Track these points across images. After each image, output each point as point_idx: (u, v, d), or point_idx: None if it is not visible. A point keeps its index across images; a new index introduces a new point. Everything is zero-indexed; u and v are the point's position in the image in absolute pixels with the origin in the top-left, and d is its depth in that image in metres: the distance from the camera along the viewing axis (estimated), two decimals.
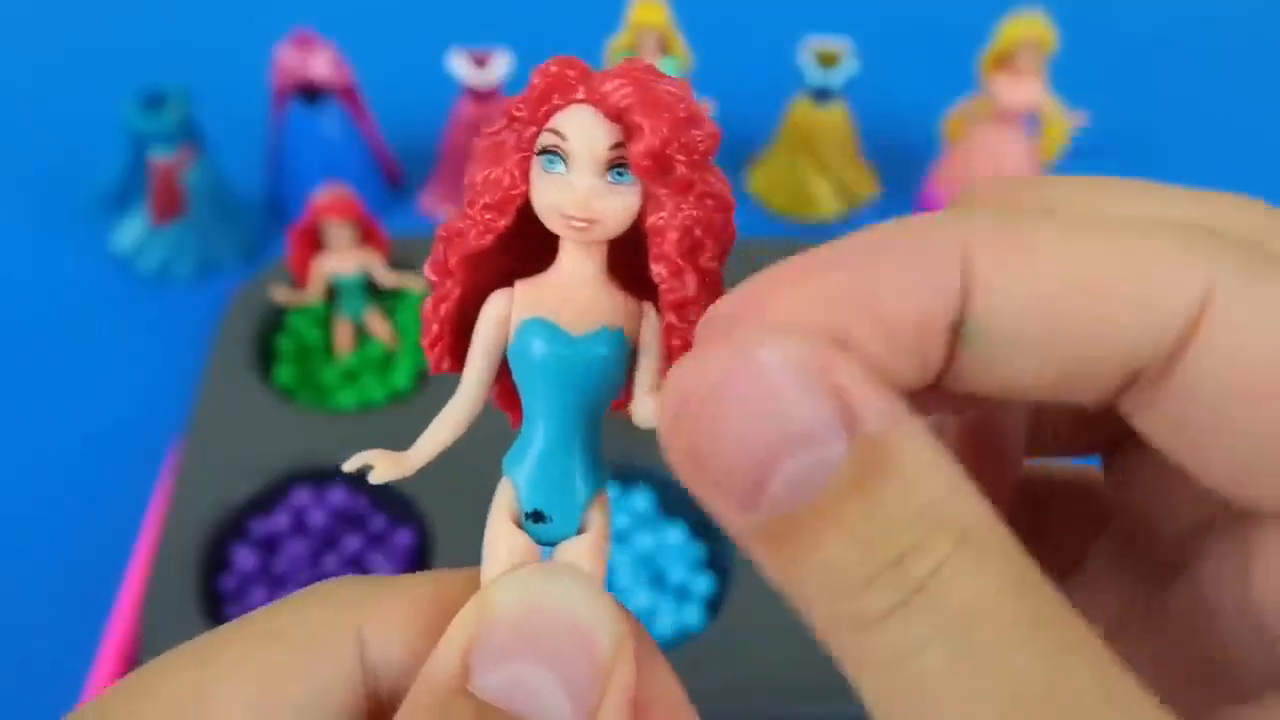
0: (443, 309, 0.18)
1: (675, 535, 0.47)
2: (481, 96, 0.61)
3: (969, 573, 0.12)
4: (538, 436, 0.19)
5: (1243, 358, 0.13)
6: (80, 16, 0.82)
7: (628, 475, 0.49)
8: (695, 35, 0.62)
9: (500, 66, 0.60)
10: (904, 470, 0.13)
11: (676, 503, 0.48)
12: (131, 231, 0.60)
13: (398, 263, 0.56)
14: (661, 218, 0.17)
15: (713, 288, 0.17)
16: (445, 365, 0.19)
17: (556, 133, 0.17)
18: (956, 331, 0.14)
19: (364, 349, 0.54)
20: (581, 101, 0.17)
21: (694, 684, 0.41)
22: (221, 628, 0.17)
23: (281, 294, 0.54)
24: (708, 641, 0.42)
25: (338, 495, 0.47)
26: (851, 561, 0.13)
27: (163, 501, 0.47)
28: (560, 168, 0.17)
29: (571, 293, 0.17)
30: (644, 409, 0.18)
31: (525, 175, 0.17)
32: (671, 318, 0.17)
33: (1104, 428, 0.17)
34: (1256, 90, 0.80)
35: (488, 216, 0.17)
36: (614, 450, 0.21)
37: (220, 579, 0.45)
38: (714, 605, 0.45)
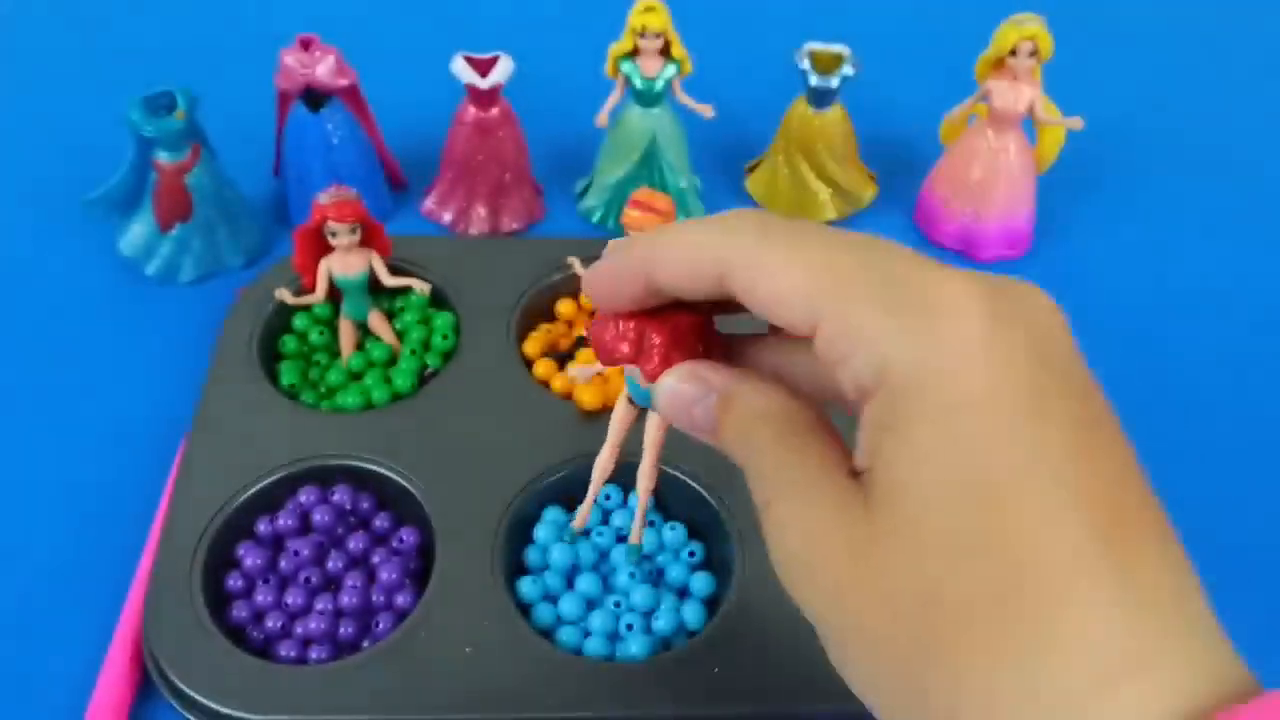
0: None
1: (675, 535, 0.47)
2: (484, 101, 0.61)
3: (768, 420, 0.27)
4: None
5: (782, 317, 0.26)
6: (88, 21, 0.83)
7: (630, 475, 0.49)
8: (696, 39, 0.63)
9: (502, 71, 0.61)
10: (739, 398, 0.28)
11: (677, 502, 0.48)
12: (138, 234, 0.60)
13: (401, 264, 0.57)
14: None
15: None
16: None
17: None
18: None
19: (368, 350, 0.55)
20: None
21: (694, 683, 0.42)
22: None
23: (286, 295, 0.55)
24: (708, 641, 0.43)
25: (343, 495, 0.48)
26: (730, 433, 0.28)
27: (170, 500, 0.47)
28: None
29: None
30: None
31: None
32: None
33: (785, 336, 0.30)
34: (1253, 93, 0.81)
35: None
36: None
37: (227, 577, 0.46)
38: (713, 604, 0.45)
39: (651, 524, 0.48)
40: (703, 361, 0.29)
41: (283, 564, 0.46)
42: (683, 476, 0.48)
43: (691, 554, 0.46)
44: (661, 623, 0.44)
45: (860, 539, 0.24)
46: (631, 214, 0.53)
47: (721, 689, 0.41)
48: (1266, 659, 0.47)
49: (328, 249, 0.54)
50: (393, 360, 0.55)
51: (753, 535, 0.46)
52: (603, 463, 0.41)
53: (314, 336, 0.55)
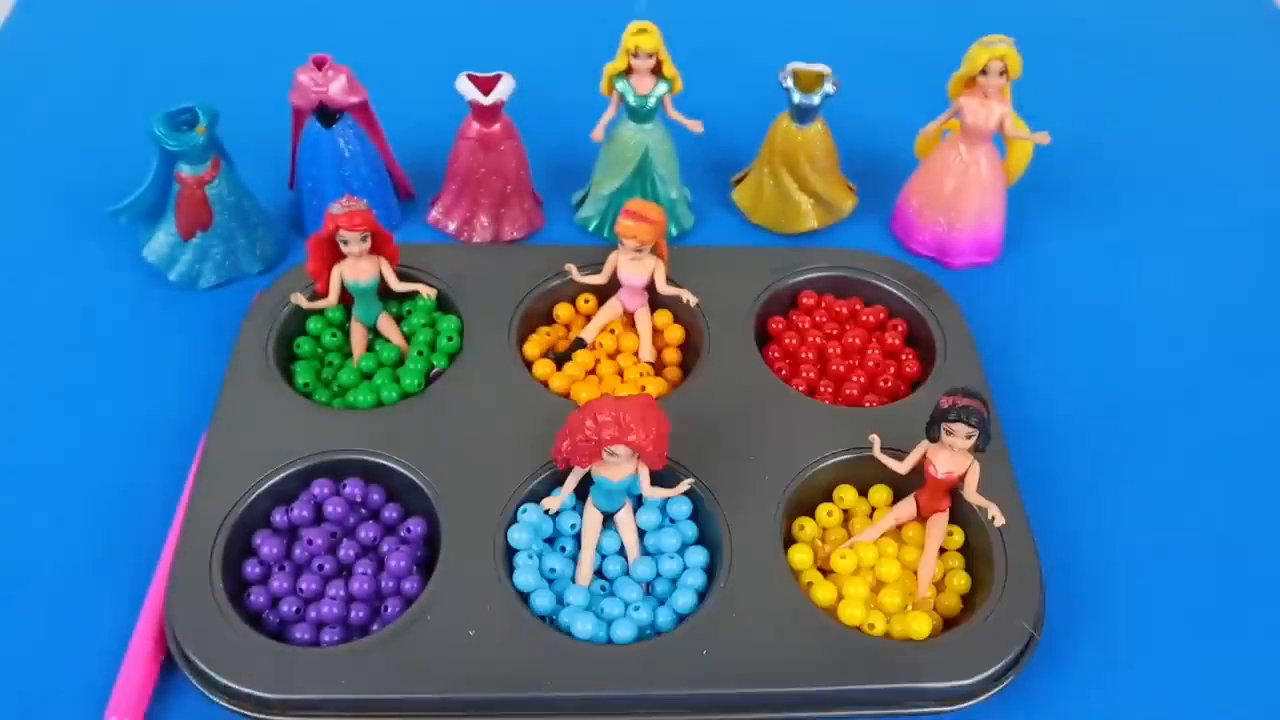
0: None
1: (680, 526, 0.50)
2: (487, 117, 0.63)
3: None
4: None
5: None
6: (118, 45, 0.84)
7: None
8: (686, 59, 0.64)
9: (504, 89, 0.62)
10: None
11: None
12: (161, 242, 0.62)
13: (409, 271, 0.59)
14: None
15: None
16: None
17: (614, 453, 0.45)
18: None
19: (377, 351, 0.56)
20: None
21: (684, 664, 0.44)
22: None
23: (300, 300, 0.57)
24: (697, 625, 0.45)
25: (354, 488, 0.49)
26: None
27: (191, 493, 0.49)
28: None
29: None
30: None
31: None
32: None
33: None
34: (1212, 110, 0.82)
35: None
36: None
37: (245, 565, 0.48)
38: (702, 595, 0.47)
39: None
40: None
41: (298, 552, 0.48)
42: (680, 467, 0.50)
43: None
44: (655, 608, 0.46)
45: None
46: (625, 223, 0.55)
47: (710, 670, 0.43)
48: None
49: (340, 256, 0.56)
50: (401, 361, 0.56)
51: (740, 523, 0.48)
52: (583, 574, 0.47)
53: (327, 339, 0.57)
